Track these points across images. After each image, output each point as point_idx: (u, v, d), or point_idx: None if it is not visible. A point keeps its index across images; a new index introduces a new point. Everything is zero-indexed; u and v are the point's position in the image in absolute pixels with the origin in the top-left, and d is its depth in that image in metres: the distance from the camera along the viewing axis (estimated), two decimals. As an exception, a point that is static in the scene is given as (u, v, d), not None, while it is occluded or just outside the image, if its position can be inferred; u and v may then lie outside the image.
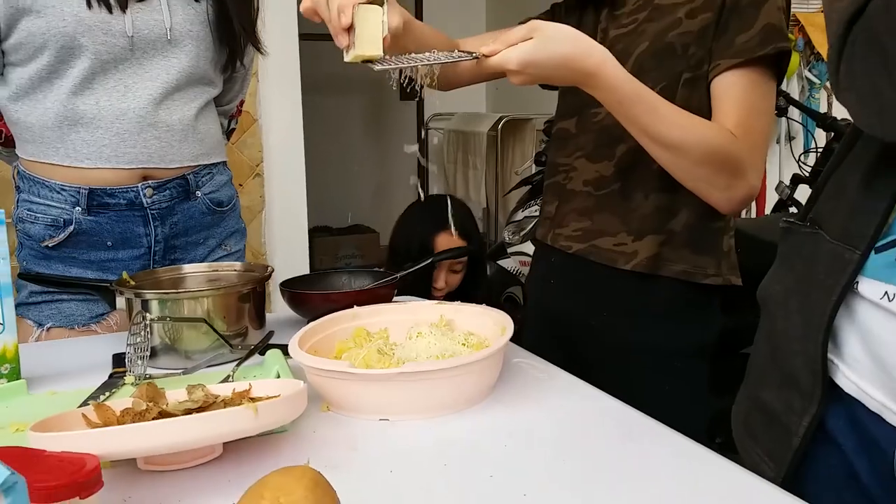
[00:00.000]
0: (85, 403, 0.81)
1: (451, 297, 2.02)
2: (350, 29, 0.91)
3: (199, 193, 1.28)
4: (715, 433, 1.09)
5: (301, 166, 2.57)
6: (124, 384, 0.88)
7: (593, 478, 0.68)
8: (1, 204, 1.03)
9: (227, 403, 0.73)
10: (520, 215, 2.62)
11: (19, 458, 0.54)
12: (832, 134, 2.47)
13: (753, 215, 3.24)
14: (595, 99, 1.12)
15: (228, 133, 1.47)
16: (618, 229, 1.10)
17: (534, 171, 2.88)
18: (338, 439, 0.75)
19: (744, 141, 0.98)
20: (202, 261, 1.28)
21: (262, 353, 0.97)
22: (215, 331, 0.96)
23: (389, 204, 4.04)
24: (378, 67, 0.92)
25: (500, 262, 2.77)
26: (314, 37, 2.93)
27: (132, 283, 1.05)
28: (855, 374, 0.71)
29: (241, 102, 1.47)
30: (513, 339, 0.91)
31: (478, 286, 2.14)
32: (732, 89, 1.00)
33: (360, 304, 1.01)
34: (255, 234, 2.52)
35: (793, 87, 3.55)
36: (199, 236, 1.30)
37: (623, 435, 0.76)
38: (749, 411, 0.84)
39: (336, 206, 4.63)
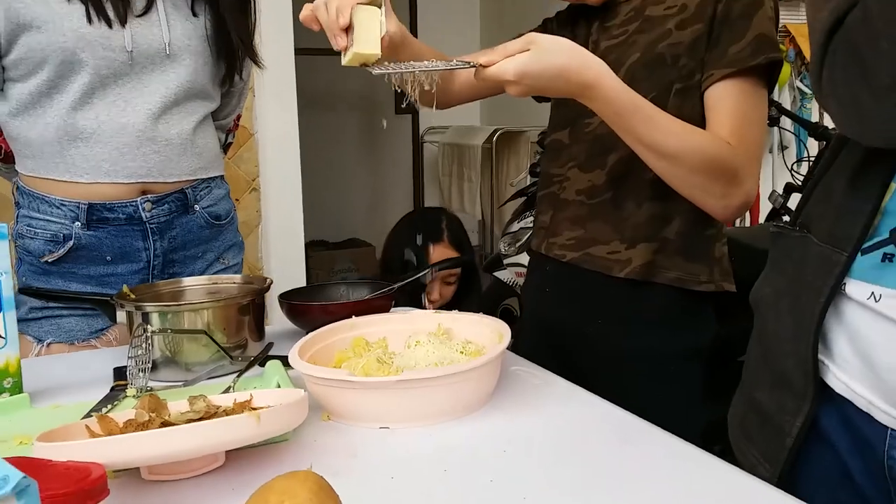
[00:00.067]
0: (88, 416, 0.81)
1: (444, 309, 2.03)
2: (348, 30, 0.92)
3: (197, 207, 1.29)
4: (713, 441, 1.10)
5: (297, 181, 2.59)
6: (126, 396, 0.88)
7: (592, 481, 0.68)
8: (0, 221, 1.03)
9: (228, 413, 0.73)
10: (515, 226, 2.64)
11: (26, 467, 0.54)
12: (824, 143, 2.50)
13: (748, 224, 3.26)
14: (587, 110, 1.14)
15: (226, 147, 1.48)
16: (611, 237, 1.12)
17: (529, 183, 2.89)
18: (338, 447, 0.76)
19: (739, 149, 0.99)
20: (201, 274, 1.28)
21: (262, 365, 0.98)
22: (216, 342, 0.96)
23: (385, 218, 4.06)
24: (376, 72, 0.93)
25: (496, 274, 2.78)
26: (310, 51, 2.95)
27: (132, 296, 1.06)
28: (844, 374, 0.72)
29: (239, 117, 1.49)
30: (509, 350, 0.92)
31: (471, 298, 2.15)
32: (726, 99, 1.02)
33: (358, 315, 1.02)
34: (252, 249, 2.53)
35: (784, 98, 3.59)
36: (198, 250, 1.31)
37: (621, 439, 0.77)
38: (745, 413, 0.86)
39: (332, 221, 4.64)
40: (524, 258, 2.60)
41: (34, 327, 1.21)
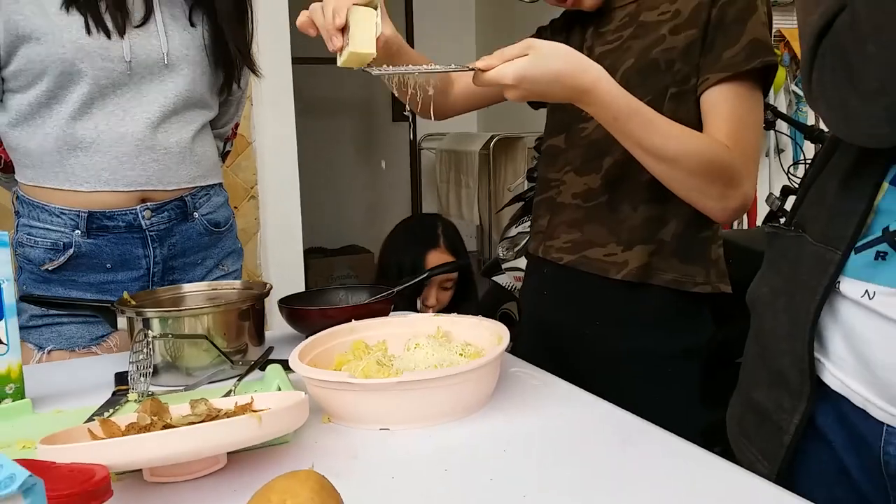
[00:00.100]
0: (90, 420, 0.82)
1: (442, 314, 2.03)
2: (344, 31, 0.93)
3: (196, 215, 1.29)
4: (713, 442, 1.10)
5: (295, 188, 2.60)
6: (127, 401, 0.89)
7: (592, 480, 0.69)
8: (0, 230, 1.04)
9: (229, 416, 0.74)
10: (513, 231, 2.65)
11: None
12: (820, 146, 2.51)
13: (745, 227, 3.27)
14: (582, 115, 1.15)
15: (224, 155, 1.49)
16: (607, 240, 1.12)
17: (526, 188, 2.91)
18: (339, 449, 0.77)
19: (736, 151, 1.00)
20: (200, 281, 1.29)
21: (263, 369, 0.98)
22: (216, 347, 0.97)
23: (383, 224, 4.07)
24: (376, 72, 0.94)
25: (494, 279, 2.78)
26: (307, 60, 2.97)
27: (133, 302, 1.06)
28: (840, 372, 0.73)
29: (237, 125, 1.50)
30: (508, 353, 0.92)
31: (468, 303, 2.15)
32: (722, 103, 1.02)
33: (357, 319, 1.03)
34: (250, 256, 2.54)
35: (780, 101, 3.61)
36: (197, 257, 1.32)
37: (621, 439, 0.78)
38: (743, 412, 0.86)
39: (330, 228, 4.65)
40: (522, 263, 2.61)
41: (35, 335, 1.21)
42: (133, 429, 0.71)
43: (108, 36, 1.16)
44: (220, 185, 1.38)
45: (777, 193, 2.68)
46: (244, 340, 1.03)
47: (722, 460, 0.72)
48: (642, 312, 1.12)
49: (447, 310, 2.09)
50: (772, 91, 3.34)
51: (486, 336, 0.96)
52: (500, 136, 3.86)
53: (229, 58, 1.29)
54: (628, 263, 1.10)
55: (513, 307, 2.81)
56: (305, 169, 2.68)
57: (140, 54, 1.19)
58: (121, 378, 0.97)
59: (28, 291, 1.21)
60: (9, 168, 1.28)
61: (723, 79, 1.02)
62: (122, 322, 1.02)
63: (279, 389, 0.87)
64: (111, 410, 0.85)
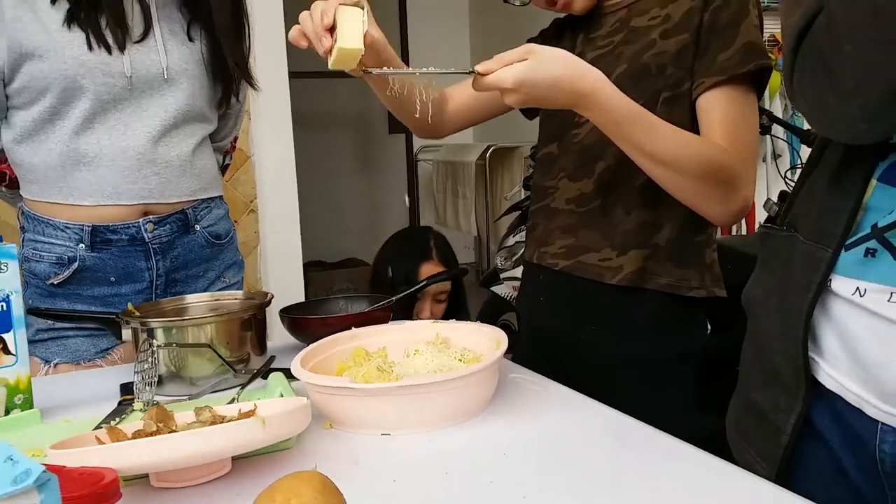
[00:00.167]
0: (97, 428, 0.83)
1: None
2: (332, 32, 0.95)
3: (198, 227, 1.31)
4: (712, 451, 1.10)
5: (294, 201, 2.62)
6: (133, 410, 0.90)
7: (592, 481, 0.70)
8: (6, 245, 1.06)
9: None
10: (511, 241, 2.66)
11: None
12: (814, 149, 2.52)
13: (744, 232, 3.28)
14: (574, 122, 1.16)
15: (224, 168, 1.51)
16: (601, 245, 1.13)
17: (523, 196, 2.92)
18: (340, 454, 0.78)
19: (735, 154, 1.01)
20: (203, 292, 1.31)
21: (265, 377, 1.00)
22: (219, 356, 0.98)
23: (381, 237, 4.09)
24: (376, 72, 0.96)
25: (493, 289, 2.79)
26: (303, 75, 3.00)
27: (137, 313, 1.08)
28: (834, 370, 0.74)
29: (236, 139, 1.52)
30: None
31: (461, 315, 2.15)
32: (718, 106, 1.03)
33: (357, 327, 1.04)
34: (251, 269, 2.55)
35: (776, 106, 3.63)
36: (199, 269, 1.33)
37: (621, 442, 0.79)
38: (741, 413, 0.87)
39: (329, 241, 4.68)
40: (521, 272, 2.62)
41: (41, 348, 1.23)
42: (140, 435, 0.72)
43: (109, 52, 1.18)
44: (221, 197, 1.39)
45: (775, 199, 2.69)
46: (246, 350, 1.05)
47: (721, 461, 0.73)
48: (637, 317, 1.12)
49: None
50: (767, 96, 3.37)
51: (484, 342, 0.97)
52: (496, 146, 3.89)
53: (227, 72, 1.31)
54: (623, 268, 1.11)
55: (512, 318, 2.82)
56: (304, 182, 2.70)
57: (140, 69, 1.21)
58: (126, 388, 0.98)
59: (34, 306, 1.23)
60: (13, 184, 1.30)
61: (718, 82, 1.03)
62: (126, 333, 1.04)
63: (282, 396, 0.89)
64: (118, 419, 0.86)
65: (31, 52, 1.15)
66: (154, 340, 0.96)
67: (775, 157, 3.58)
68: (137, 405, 0.91)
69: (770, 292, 0.81)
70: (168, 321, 1.03)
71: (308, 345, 0.98)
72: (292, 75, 2.57)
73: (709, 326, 1.22)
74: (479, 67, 0.94)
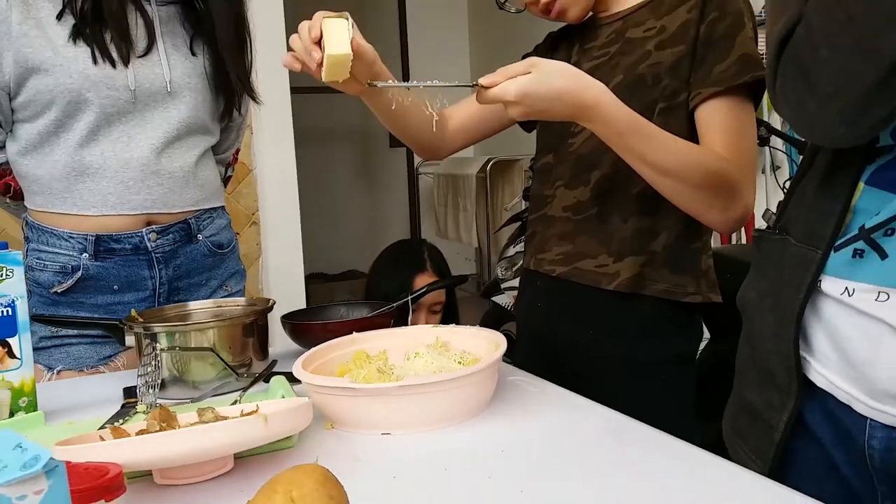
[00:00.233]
0: (101, 429, 0.84)
1: None
2: (321, 44, 0.97)
3: (200, 237, 1.33)
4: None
5: (296, 214, 2.64)
6: (136, 412, 0.92)
7: (589, 476, 0.71)
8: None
9: (236, 422, 0.77)
10: (511, 251, 2.66)
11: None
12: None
13: (744, 241, 3.29)
14: (570, 130, 1.18)
15: (226, 180, 1.53)
16: (598, 251, 1.14)
17: (523, 207, 2.93)
18: (341, 453, 0.79)
19: (735, 162, 1.03)
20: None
21: (267, 381, 1.01)
22: (222, 360, 1.00)
23: (382, 249, 4.12)
24: (380, 84, 0.97)
25: (494, 299, 2.80)
26: (305, 90, 3.03)
27: (141, 319, 1.09)
28: (825, 369, 0.75)
29: (238, 151, 1.54)
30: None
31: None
32: (716, 116, 1.05)
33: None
34: (252, 281, 2.57)
35: (774, 118, 3.64)
36: (202, 277, 1.35)
37: (618, 439, 0.80)
38: (736, 413, 0.88)
39: (330, 253, 4.70)
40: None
41: (45, 356, 1.24)
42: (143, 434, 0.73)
43: (114, 66, 1.20)
44: (223, 208, 1.41)
45: (774, 210, 2.69)
46: (248, 354, 1.06)
47: (717, 457, 0.74)
48: (634, 321, 1.14)
49: None
50: (766, 108, 3.39)
51: (483, 345, 0.98)
52: (496, 158, 3.91)
53: (230, 85, 1.33)
54: (620, 274, 1.12)
55: (513, 327, 2.81)
56: (305, 195, 2.73)
57: (144, 83, 1.23)
58: (129, 392, 1.00)
59: (38, 314, 1.24)
60: (18, 195, 1.31)
61: (715, 93, 1.04)
62: (130, 339, 1.05)
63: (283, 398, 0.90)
64: (121, 421, 0.87)
65: (37, 67, 1.17)
66: (157, 344, 0.98)
67: (774, 168, 3.59)
68: (140, 408, 0.92)
69: (763, 294, 0.83)
70: (171, 325, 1.04)
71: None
72: (294, 90, 2.60)
73: (708, 334, 1.22)
74: (482, 80, 0.95)
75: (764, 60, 0.81)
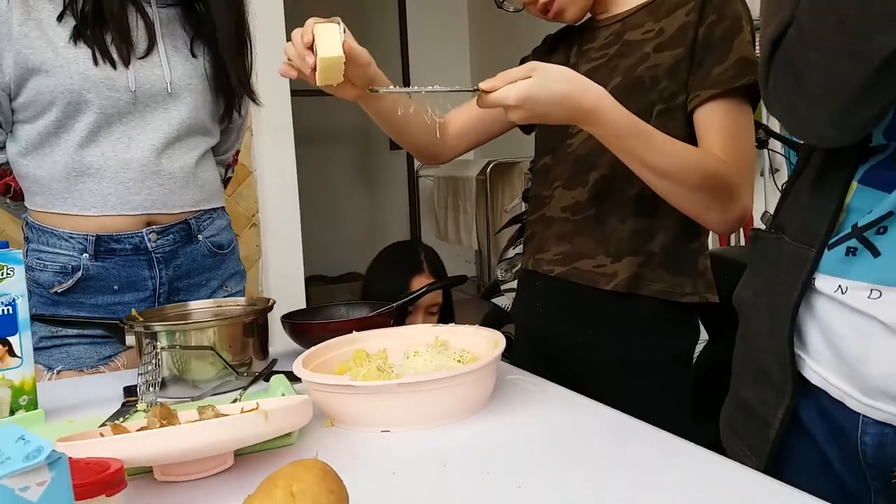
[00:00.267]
0: (102, 427, 0.85)
1: None
2: (313, 49, 0.97)
3: (200, 237, 1.33)
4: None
5: (296, 216, 2.64)
6: (136, 411, 0.92)
7: (587, 470, 0.71)
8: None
9: (236, 420, 0.77)
10: (511, 253, 2.67)
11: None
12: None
13: (742, 243, 3.29)
14: (568, 132, 1.19)
15: (226, 181, 1.53)
16: (596, 252, 1.15)
17: (523, 209, 2.94)
18: (341, 450, 0.80)
19: (733, 164, 1.03)
20: (205, 300, 1.33)
21: (267, 380, 1.02)
22: (222, 359, 1.00)
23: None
24: (383, 90, 0.98)
25: (494, 301, 2.80)
26: (305, 93, 3.03)
27: (141, 319, 1.10)
28: (819, 366, 0.76)
29: (238, 152, 1.54)
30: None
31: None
32: (714, 118, 1.05)
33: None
34: (252, 283, 2.57)
35: (773, 121, 3.65)
36: (202, 278, 1.35)
37: (617, 436, 0.80)
38: (732, 411, 0.89)
39: (330, 256, 4.70)
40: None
41: (45, 356, 1.24)
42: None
43: (114, 67, 1.21)
44: (223, 208, 1.42)
45: (772, 212, 2.70)
46: (249, 354, 1.07)
47: (716, 455, 0.74)
48: (632, 321, 1.14)
49: None
50: (765, 111, 3.40)
51: (482, 344, 0.99)
52: (496, 161, 3.92)
53: (230, 87, 1.34)
54: (617, 274, 1.13)
55: (512, 329, 2.82)
56: (305, 198, 2.73)
57: (144, 84, 1.24)
58: (129, 391, 1.00)
59: (38, 314, 1.25)
60: (18, 196, 1.32)
61: (713, 95, 1.05)
62: (130, 338, 1.06)
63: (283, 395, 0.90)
64: (121, 419, 0.88)
65: (37, 68, 1.18)
66: (157, 343, 0.98)
67: (773, 171, 3.60)
68: (141, 406, 0.93)
69: (759, 293, 0.83)
70: (171, 324, 1.05)
71: (309, 349, 1.00)
72: (294, 93, 2.60)
73: (706, 336, 1.23)
74: (483, 85, 0.96)
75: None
